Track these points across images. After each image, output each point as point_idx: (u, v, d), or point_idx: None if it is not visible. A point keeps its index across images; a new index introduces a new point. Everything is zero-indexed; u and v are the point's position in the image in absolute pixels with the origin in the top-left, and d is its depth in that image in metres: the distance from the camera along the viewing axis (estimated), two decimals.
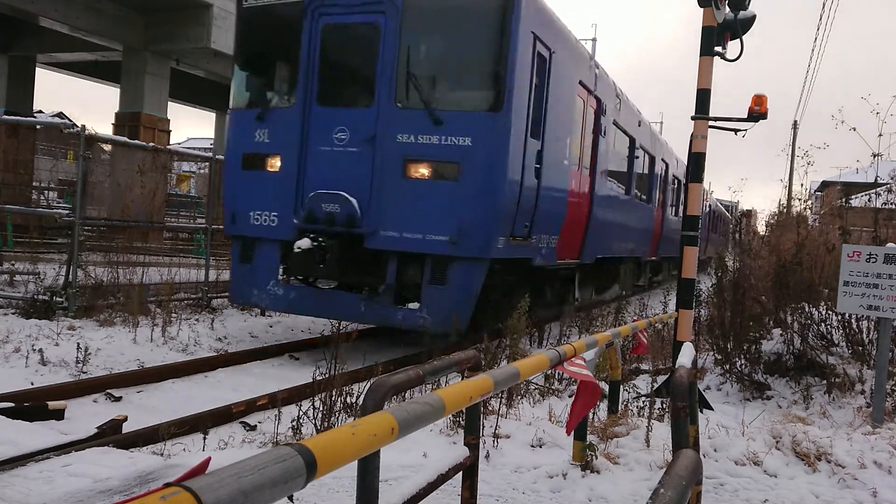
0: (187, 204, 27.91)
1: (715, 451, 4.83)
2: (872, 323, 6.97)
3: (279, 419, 4.98)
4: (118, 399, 6.07)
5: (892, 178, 9.88)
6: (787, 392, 6.97)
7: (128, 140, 12.07)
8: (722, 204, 39.38)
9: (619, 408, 5.65)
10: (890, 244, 6.12)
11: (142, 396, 6.29)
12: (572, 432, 4.59)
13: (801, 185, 17.05)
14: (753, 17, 6.50)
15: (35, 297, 8.97)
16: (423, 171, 7.68)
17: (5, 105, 23.92)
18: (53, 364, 6.67)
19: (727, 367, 7.59)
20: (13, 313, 8.79)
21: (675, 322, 6.56)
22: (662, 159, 18.60)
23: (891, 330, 6.01)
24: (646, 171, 16.64)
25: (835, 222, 8.99)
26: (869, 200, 8.42)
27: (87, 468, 3.92)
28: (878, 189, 8.72)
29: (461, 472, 3.32)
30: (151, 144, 11.87)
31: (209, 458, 1.38)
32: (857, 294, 5.89)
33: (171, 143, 27.22)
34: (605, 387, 6.06)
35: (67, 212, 9.59)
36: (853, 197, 12.59)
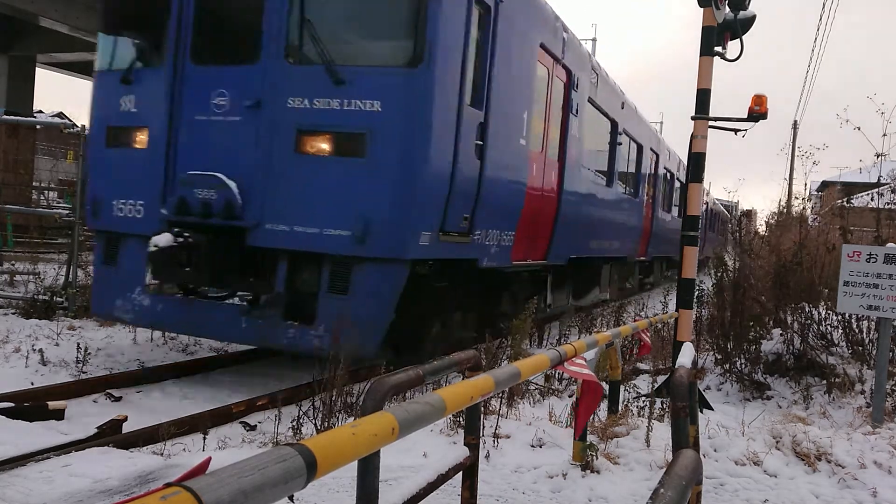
0: None
1: (715, 451, 4.83)
2: (872, 323, 6.97)
3: (279, 419, 4.98)
4: (118, 399, 6.07)
5: (892, 179, 9.89)
6: (787, 392, 6.98)
7: None
8: (722, 204, 39.35)
9: (619, 408, 5.65)
10: (890, 244, 6.13)
11: (142, 396, 6.29)
12: (573, 432, 4.60)
13: (805, 184, 17.03)
14: (753, 17, 6.50)
15: (35, 296, 8.98)
16: (320, 145, 6.05)
17: (5, 105, 23.91)
18: (53, 364, 6.67)
19: (727, 367, 7.59)
20: (13, 313, 8.79)
21: (675, 322, 6.56)
22: (652, 149, 16.63)
23: (891, 330, 6.01)
24: (632, 162, 14.79)
25: (835, 222, 9.00)
26: (872, 200, 8.41)
27: (87, 468, 3.93)
28: (880, 189, 8.71)
29: (461, 472, 3.32)
30: None
31: (209, 458, 1.38)
32: (857, 294, 5.89)
33: None
34: (605, 387, 6.06)
35: (68, 212, 9.60)
36: (853, 197, 12.59)
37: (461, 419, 4.62)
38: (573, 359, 3.96)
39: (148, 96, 6.68)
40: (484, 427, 4.45)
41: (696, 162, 6.39)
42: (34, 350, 6.80)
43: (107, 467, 3.96)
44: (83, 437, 4.58)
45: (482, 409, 4.02)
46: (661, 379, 6.84)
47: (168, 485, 1.13)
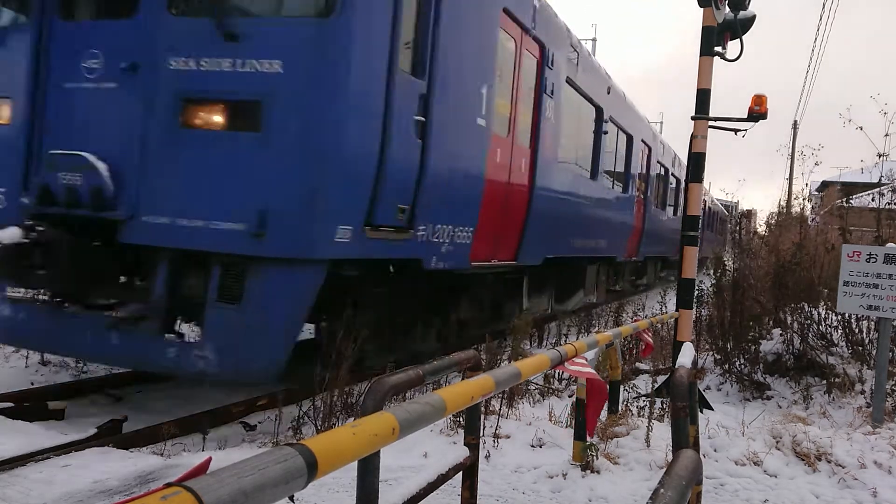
0: None
1: (715, 451, 4.83)
2: (872, 323, 6.97)
3: (279, 419, 4.98)
4: (118, 399, 6.07)
5: (890, 179, 9.88)
6: (787, 392, 6.98)
7: None
8: (722, 204, 39.34)
9: (619, 408, 5.65)
10: (890, 244, 6.13)
11: (142, 396, 6.29)
12: (573, 432, 4.60)
13: (806, 184, 16.97)
14: (753, 17, 6.50)
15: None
16: (209, 116, 4.93)
17: None
18: (53, 364, 6.67)
19: (726, 367, 7.59)
20: None
21: (675, 322, 6.56)
22: (644, 142, 15.19)
23: (891, 330, 6.01)
24: (621, 154, 13.44)
25: (834, 222, 8.99)
26: (873, 199, 8.40)
27: (87, 468, 3.93)
28: (881, 189, 8.70)
29: (461, 472, 3.32)
30: None
31: (210, 458, 1.38)
32: (857, 294, 5.89)
33: None
34: (606, 387, 6.06)
35: None
36: (853, 197, 12.58)
37: (461, 419, 4.62)
38: (573, 358, 3.96)
39: (9, 61, 5.56)
40: (484, 427, 4.45)
41: (696, 162, 6.39)
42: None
43: (107, 467, 3.96)
44: (83, 437, 4.58)
45: (482, 409, 4.02)
46: (660, 379, 6.84)
47: (168, 485, 1.13)
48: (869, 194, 9.39)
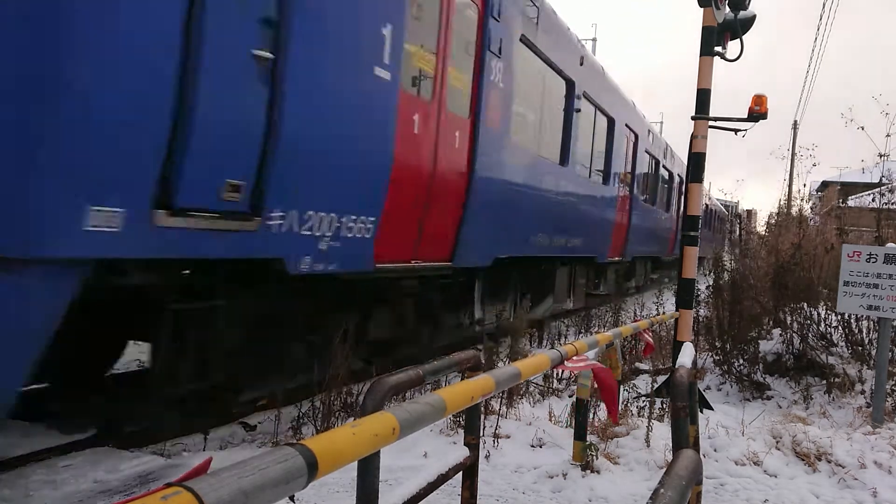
0: None
1: (715, 451, 4.83)
2: (872, 323, 6.97)
3: (279, 419, 4.98)
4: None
5: (889, 179, 9.87)
6: (787, 392, 6.98)
7: None
8: (722, 204, 39.34)
9: (620, 408, 5.65)
10: (890, 244, 6.13)
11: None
12: (573, 432, 4.60)
13: (804, 184, 16.91)
14: (753, 17, 6.50)
15: None
16: None
17: None
18: None
19: (726, 367, 7.59)
20: None
21: (675, 322, 6.57)
22: (629, 127, 13.25)
23: (891, 330, 6.02)
24: (600, 138, 11.44)
25: (833, 222, 9.00)
26: (873, 200, 8.40)
27: (88, 468, 3.93)
28: (881, 189, 8.70)
29: (461, 472, 3.32)
30: None
31: (210, 458, 1.38)
32: (857, 294, 5.89)
33: None
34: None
35: None
36: (852, 197, 12.58)
37: (461, 419, 4.62)
38: (573, 357, 3.96)
39: None
40: (484, 427, 4.45)
41: (696, 162, 6.39)
42: None
43: (107, 467, 3.96)
44: (83, 437, 4.58)
45: (482, 409, 4.02)
46: (660, 379, 6.84)
47: (169, 485, 1.13)
48: (869, 194, 9.39)
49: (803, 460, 4.80)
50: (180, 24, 3.44)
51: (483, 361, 3.73)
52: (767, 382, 7.21)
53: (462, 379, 2.96)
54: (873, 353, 6.67)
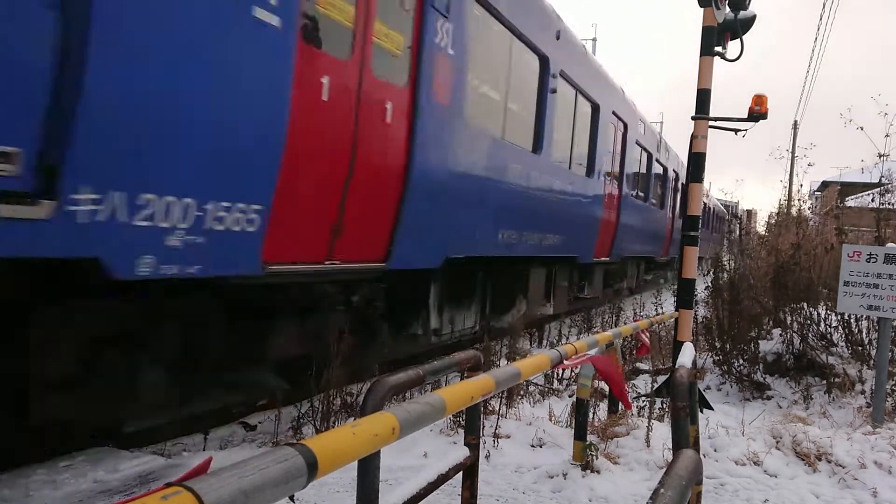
0: None
1: (715, 451, 4.83)
2: (872, 323, 6.97)
3: (279, 419, 4.98)
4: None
5: (888, 179, 9.88)
6: (787, 392, 6.98)
7: None
8: (722, 204, 39.34)
9: (619, 408, 5.65)
10: (890, 244, 6.13)
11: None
12: (573, 432, 4.61)
13: (801, 185, 16.87)
14: (753, 17, 6.50)
15: None
16: None
17: None
18: None
19: (726, 367, 7.60)
20: None
21: (675, 322, 6.57)
22: (616, 114, 12.04)
23: (891, 330, 6.02)
24: (581, 125, 10.25)
25: (832, 222, 9.00)
26: (872, 200, 8.41)
27: (88, 468, 3.93)
28: (881, 189, 8.71)
29: (461, 472, 3.32)
30: None
31: (210, 458, 1.38)
32: (857, 294, 5.89)
33: None
34: (606, 387, 6.07)
35: None
36: (851, 197, 12.58)
37: (461, 419, 4.62)
38: (573, 357, 3.97)
39: None
40: (484, 427, 4.46)
41: (696, 162, 6.39)
42: None
43: (107, 467, 3.96)
44: (83, 438, 4.57)
45: (482, 409, 4.02)
46: (661, 379, 6.84)
47: (168, 484, 1.13)
48: (868, 194, 9.40)
49: (803, 460, 4.81)
50: None
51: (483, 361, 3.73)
52: (767, 382, 7.21)
53: (462, 379, 2.96)
54: (873, 353, 6.67)
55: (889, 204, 8.32)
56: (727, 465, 4.64)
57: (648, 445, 4.76)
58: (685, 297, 6.39)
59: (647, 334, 7.24)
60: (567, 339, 9.75)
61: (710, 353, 8.11)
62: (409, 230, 5.56)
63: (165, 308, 4.16)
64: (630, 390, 6.77)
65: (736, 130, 6.96)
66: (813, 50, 51.48)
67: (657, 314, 9.89)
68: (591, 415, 4.97)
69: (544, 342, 9.86)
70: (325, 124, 4.51)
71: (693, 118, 6.39)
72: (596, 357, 4.22)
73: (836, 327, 7.46)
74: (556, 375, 6.89)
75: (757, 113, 6.51)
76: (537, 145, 8.32)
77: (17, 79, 2.76)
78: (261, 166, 4.02)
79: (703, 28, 6.18)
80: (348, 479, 3.86)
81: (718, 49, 6.28)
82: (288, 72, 4.10)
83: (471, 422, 3.44)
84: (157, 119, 3.34)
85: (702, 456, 3.90)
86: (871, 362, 6.73)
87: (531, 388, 6.49)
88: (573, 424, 4.68)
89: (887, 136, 8.67)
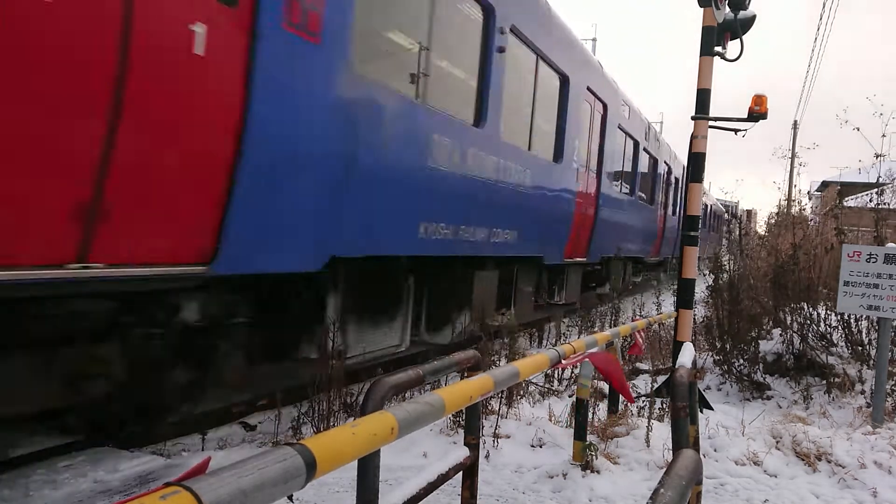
0: None
1: (715, 451, 4.83)
2: (872, 323, 6.97)
3: (279, 419, 4.98)
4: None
5: (889, 179, 9.90)
6: (787, 392, 6.98)
7: None
8: (722, 204, 39.34)
9: (619, 408, 5.65)
10: (890, 244, 6.13)
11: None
12: (573, 432, 4.61)
13: (795, 185, 16.86)
14: (753, 17, 6.50)
15: None
16: None
17: None
18: None
19: (726, 367, 7.60)
20: None
21: (674, 322, 6.57)
22: (592, 91, 10.24)
23: (891, 330, 6.02)
24: (546, 101, 8.64)
25: (832, 222, 9.01)
26: (871, 200, 8.41)
27: (87, 468, 3.93)
28: (879, 189, 8.71)
29: (461, 472, 3.32)
30: None
31: (209, 458, 1.38)
32: (857, 294, 5.89)
33: None
34: (605, 387, 6.07)
35: None
36: (850, 198, 12.59)
37: (461, 419, 4.62)
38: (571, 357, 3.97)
39: None
40: (484, 427, 4.46)
41: (696, 162, 6.38)
42: None
43: (107, 467, 3.96)
44: (83, 437, 4.58)
45: (482, 408, 4.02)
46: (660, 379, 6.84)
47: (168, 484, 1.13)
48: (867, 195, 9.41)
49: (803, 460, 4.81)
50: None
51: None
52: (767, 382, 7.21)
53: (462, 379, 2.97)
54: (873, 353, 6.67)
55: (886, 204, 8.32)
56: (727, 465, 4.64)
57: (648, 445, 4.76)
58: (685, 297, 6.39)
59: (643, 334, 7.23)
60: (566, 339, 9.75)
61: (710, 353, 8.11)
62: (249, 218, 3.89)
63: None
64: (630, 390, 6.77)
65: (736, 130, 6.96)
66: (813, 50, 51.45)
67: (657, 314, 9.90)
68: (590, 415, 4.97)
69: (544, 342, 9.86)
70: (47, 43, 2.86)
71: (693, 118, 6.39)
72: (594, 354, 4.23)
73: (836, 327, 7.46)
74: (555, 375, 6.89)
75: (757, 113, 6.50)
76: (480, 117, 6.59)
77: None
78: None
79: (703, 28, 6.18)
80: (348, 479, 3.86)
81: (718, 49, 6.28)
82: None
83: (470, 422, 3.45)
84: None
85: (702, 456, 3.91)
86: (871, 362, 6.72)
87: (531, 388, 6.49)
88: (573, 424, 4.68)
89: (884, 136, 8.68)
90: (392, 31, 5.66)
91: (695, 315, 7.94)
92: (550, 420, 5.37)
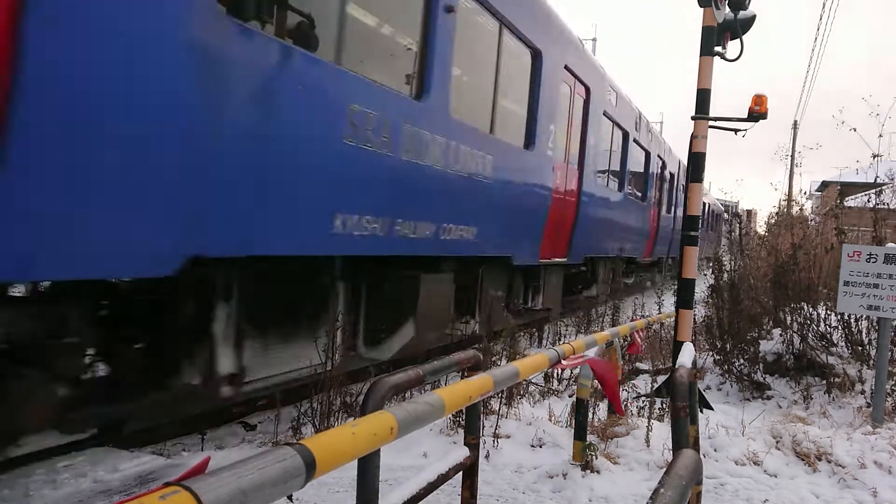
0: None
1: (715, 451, 4.83)
2: (872, 323, 6.98)
3: (279, 419, 4.98)
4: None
5: (889, 179, 9.91)
6: (787, 392, 6.98)
7: None
8: (722, 203, 39.33)
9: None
10: (890, 244, 6.13)
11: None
12: (573, 432, 4.60)
13: (792, 185, 16.85)
14: (753, 17, 6.50)
15: None
16: None
17: None
18: None
19: (726, 367, 7.60)
20: None
21: (674, 322, 6.57)
22: (570, 71, 9.02)
23: (891, 330, 6.02)
24: (513, 77, 7.55)
25: (831, 223, 9.02)
26: (868, 200, 8.42)
27: (87, 468, 3.93)
28: (881, 188, 8.72)
29: (461, 472, 3.32)
30: None
31: (208, 458, 1.38)
32: (857, 294, 5.89)
33: None
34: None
35: None
36: (850, 198, 12.59)
37: (461, 419, 4.62)
38: (571, 357, 3.97)
39: None
40: (484, 427, 4.46)
41: (696, 162, 6.38)
42: None
43: (107, 467, 3.96)
44: (83, 437, 4.58)
45: (482, 408, 4.02)
46: (660, 379, 6.84)
47: (168, 484, 1.13)
48: (865, 195, 9.42)
49: (803, 460, 4.81)
50: None
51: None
52: (767, 382, 7.21)
53: (462, 378, 2.97)
54: (873, 353, 6.67)
55: (885, 204, 8.33)
56: (727, 465, 4.64)
57: (648, 445, 4.76)
58: (685, 297, 6.39)
59: (642, 334, 7.23)
60: (566, 338, 9.75)
61: (710, 353, 8.11)
62: (36, 196, 2.78)
63: None
64: (630, 390, 6.77)
65: (736, 130, 6.96)
66: (813, 49, 51.44)
67: (658, 315, 9.90)
68: (590, 415, 4.97)
69: (544, 342, 9.87)
70: None
71: (693, 118, 6.39)
72: (593, 360, 4.23)
73: (836, 327, 7.46)
74: (555, 375, 6.89)
75: (757, 113, 6.50)
76: (422, 87, 5.47)
77: None
78: None
79: (703, 28, 6.18)
80: (348, 479, 3.86)
81: (718, 49, 6.28)
82: None
83: (470, 421, 3.45)
84: None
85: (702, 456, 3.91)
86: (871, 362, 6.72)
87: (531, 388, 6.49)
88: (573, 424, 4.68)
89: (880, 136, 8.69)
90: None
91: (695, 315, 7.94)
92: (550, 420, 5.37)
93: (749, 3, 6.42)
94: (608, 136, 11.75)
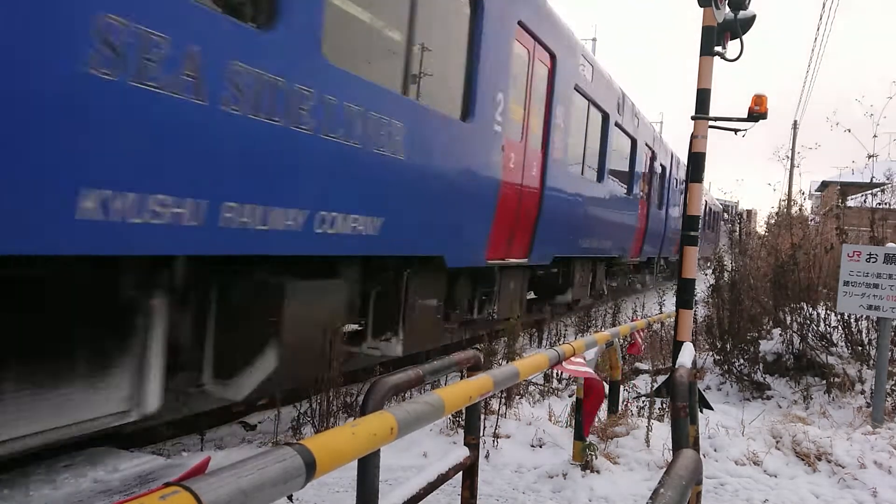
0: None
1: (715, 451, 4.83)
2: (872, 323, 6.98)
3: (279, 419, 4.98)
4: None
5: (888, 178, 9.91)
6: (787, 392, 6.98)
7: None
8: (721, 203, 39.28)
9: (619, 408, 5.65)
10: (890, 244, 6.13)
11: None
12: (573, 432, 4.60)
13: (790, 185, 16.83)
14: (753, 17, 6.50)
15: None
16: None
17: None
18: None
19: (726, 367, 7.60)
20: None
21: (674, 322, 6.57)
22: (526, 28, 7.26)
23: (891, 330, 6.02)
24: (451, 34, 6.07)
25: (832, 222, 9.02)
26: (865, 201, 8.42)
27: (87, 468, 3.93)
28: (875, 189, 8.72)
29: (461, 472, 3.32)
30: None
31: (209, 458, 1.38)
32: (857, 294, 5.89)
33: None
34: (606, 386, 6.07)
35: None
36: (849, 198, 12.59)
37: (461, 419, 4.62)
38: (572, 358, 3.97)
39: None
40: (484, 427, 4.46)
41: (696, 162, 6.38)
42: None
43: (107, 467, 3.96)
44: (83, 438, 4.58)
45: (482, 408, 4.02)
46: (660, 379, 6.84)
47: (168, 484, 1.13)
48: (864, 195, 9.42)
49: (803, 460, 4.81)
50: None
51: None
52: (767, 382, 7.21)
53: (462, 378, 2.97)
54: (873, 353, 6.67)
55: (887, 204, 8.33)
56: (727, 465, 4.64)
57: (648, 445, 4.76)
58: (685, 297, 6.39)
59: (642, 334, 7.23)
60: (566, 339, 9.75)
61: (710, 353, 8.11)
62: None
63: None
64: (630, 390, 6.77)
65: (736, 130, 6.96)
66: (813, 49, 51.45)
67: (658, 314, 9.89)
68: (596, 413, 4.97)
69: (544, 342, 9.86)
70: None
71: (693, 118, 6.39)
72: (591, 377, 4.21)
73: (835, 327, 7.46)
74: (555, 375, 6.89)
75: (757, 113, 6.50)
76: (272, 13, 3.69)
77: None
78: None
79: (703, 28, 6.18)
80: (348, 479, 3.87)
81: (718, 49, 6.28)
82: None
83: (470, 422, 3.45)
84: None
85: (702, 456, 3.91)
86: (871, 362, 6.72)
87: (531, 388, 6.49)
88: (573, 424, 4.68)
89: (875, 136, 8.69)
90: None
91: (695, 315, 7.93)
92: (550, 420, 5.37)
93: (749, 3, 6.42)
94: (583, 116, 9.88)
